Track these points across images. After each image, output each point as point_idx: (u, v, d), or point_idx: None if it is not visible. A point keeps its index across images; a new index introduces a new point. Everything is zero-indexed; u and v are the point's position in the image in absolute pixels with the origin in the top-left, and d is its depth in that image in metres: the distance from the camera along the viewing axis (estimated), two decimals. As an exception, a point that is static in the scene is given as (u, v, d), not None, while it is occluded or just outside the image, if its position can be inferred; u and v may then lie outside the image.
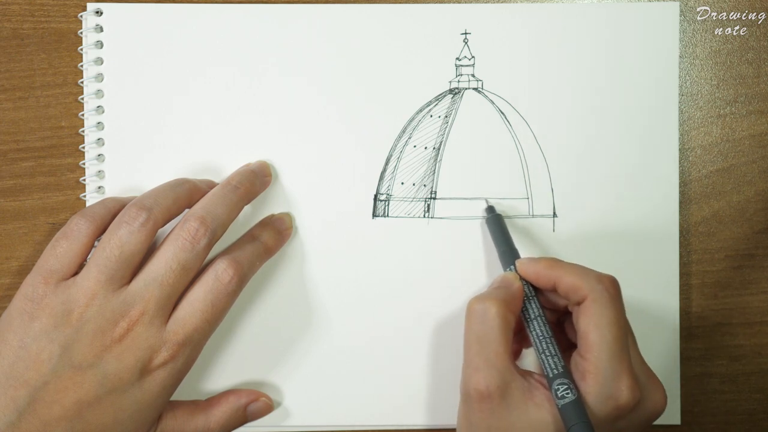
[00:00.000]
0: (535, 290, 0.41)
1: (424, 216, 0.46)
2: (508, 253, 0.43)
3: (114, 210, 0.41)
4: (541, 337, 0.39)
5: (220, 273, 0.40)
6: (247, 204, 0.43)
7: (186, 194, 0.42)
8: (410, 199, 0.46)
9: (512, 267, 0.42)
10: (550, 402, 0.38)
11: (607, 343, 0.37)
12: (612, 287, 0.39)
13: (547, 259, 0.41)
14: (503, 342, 0.38)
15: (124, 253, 0.39)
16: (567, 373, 0.38)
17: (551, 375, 0.38)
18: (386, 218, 0.46)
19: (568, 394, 0.37)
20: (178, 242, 0.39)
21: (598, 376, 0.37)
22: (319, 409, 0.46)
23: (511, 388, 0.38)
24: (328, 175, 0.46)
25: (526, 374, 0.39)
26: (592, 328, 0.38)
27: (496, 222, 0.44)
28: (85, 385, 0.38)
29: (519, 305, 0.40)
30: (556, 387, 0.37)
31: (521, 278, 0.41)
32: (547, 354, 0.39)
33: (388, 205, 0.46)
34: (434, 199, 0.46)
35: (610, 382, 0.37)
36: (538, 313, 0.40)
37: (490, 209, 0.45)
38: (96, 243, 0.41)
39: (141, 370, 0.39)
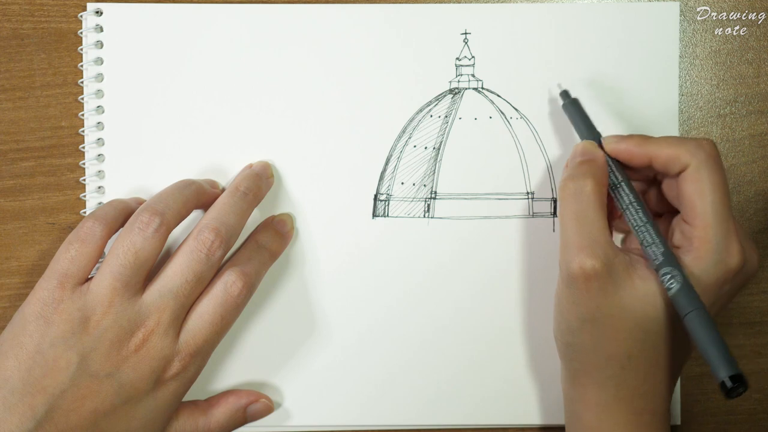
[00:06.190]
0: (621, 167, 0.41)
1: (424, 216, 0.46)
2: (592, 130, 0.42)
3: (122, 211, 0.41)
4: (640, 225, 0.39)
5: (229, 286, 0.40)
6: (254, 208, 0.43)
7: (194, 196, 0.42)
8: (410, 199, 0.46)
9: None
10: (654, 273, 0.37)
11: (715, 208, 0.37)
12: (713, 150, 0.38)
13: (636, 135, 0.40)
14: (602, 218, 0.38)
15: (139, 259, 0.39)
16: (669, 259, 0.37)
17: (656, 263, 0.37)
18: (386, 218, 0.46)
19: (673, 283, 0.36)
20: (193, 254, 0.40)
21: (709, 243, 0.37)
22: (320, 410, 0.46)
23: (615, 264, 0.37)
24: (328, 175, 0.46)
25: (624, 249, 0.39)
26: (698, 195, 0.37)
27: (575, 106, 0.43)
28: (102, 395, 0.38)
29: (607, 175, 0.40)
30: (662, 277, 0.37)
31: (608, 157, 0.41)
32: (647, 243, 0.38)
33: (388, 205, 0.46)
34: (434, 199, 0.46)
35: (721, 248, 0.37)
36: (633, 199, 0.39)
37: (565, 94, 0.44)
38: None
39: (156, 380, 0.39)
